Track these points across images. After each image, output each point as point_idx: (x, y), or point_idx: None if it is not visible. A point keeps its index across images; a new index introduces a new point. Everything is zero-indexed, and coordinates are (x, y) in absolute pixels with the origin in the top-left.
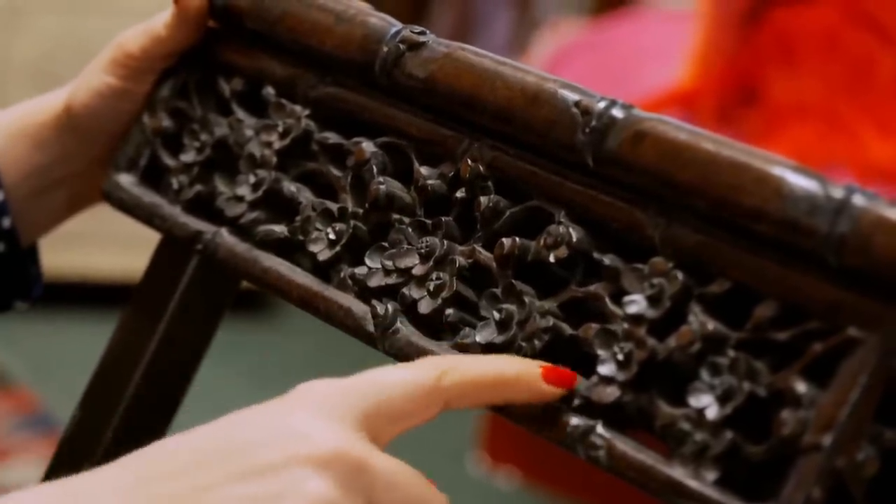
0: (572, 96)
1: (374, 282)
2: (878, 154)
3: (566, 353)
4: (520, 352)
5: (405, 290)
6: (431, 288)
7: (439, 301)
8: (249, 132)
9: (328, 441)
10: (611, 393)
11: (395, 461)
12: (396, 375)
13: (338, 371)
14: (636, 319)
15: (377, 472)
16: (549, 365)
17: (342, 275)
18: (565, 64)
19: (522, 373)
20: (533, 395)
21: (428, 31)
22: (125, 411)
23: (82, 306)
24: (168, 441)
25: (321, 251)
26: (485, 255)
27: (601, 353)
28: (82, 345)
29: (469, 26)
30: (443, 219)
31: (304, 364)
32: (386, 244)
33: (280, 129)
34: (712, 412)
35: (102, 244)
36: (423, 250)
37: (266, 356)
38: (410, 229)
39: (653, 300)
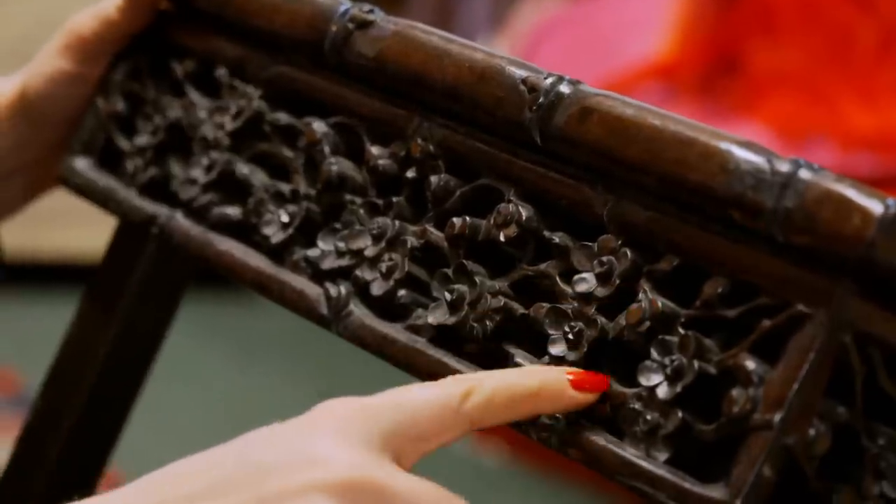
0: (519, 73)
1: (327, 264)
2: (859, 124)
3: (518, 332)
4: (472, 332)
5: (358, 272)
6: (384, 269)
7: (392, 282)
8: (202, 114)
9: (346, 466)
10: None
11: (419, 482)
12: (420, 395)
13: (315, 347)
14: (585, 298)
15: (398, 497)
16: (577, 371)
17: (295, 257)
18: (547, 39)
19: (550, 384)
20: (563, 406)
21: (377, 9)
22: (86, 397)
23: (67, 286)
24: (184, 463)
25: (274, 234)
26: (436, 234)
27: (552, 332)
28: (67, 325)
29: (450, 2)
30: (394, 199)
31: (283, 341)
32: (338, 225)
33: (232, 110)
34: (663, 391)
35: (90, 223)
36: (374, 231)
37: (246, 333)
38: (362, 210)
39: (602, 278)
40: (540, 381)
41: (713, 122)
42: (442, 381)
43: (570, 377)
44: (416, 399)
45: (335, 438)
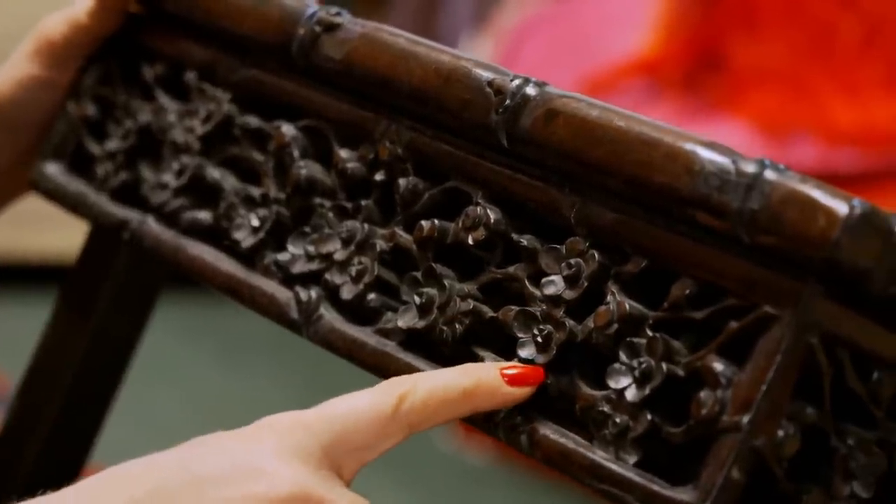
0: (486, 75)
1: (298, 268)
2: (842, 119)
3: (488, 336)
4: (441, 336)
5: (328, 276)
6: (353, 273)
7: (361, 286)
8: (172, 118)
9: (287, 481)
10: None
11: (354, 498)
12: (355, 405)
13: (295, 348)
14: (554, 300)
15: None
16: (512, 366)
17: (266, 261)
18: (530, 37)
19: (485, 382)
20: (498, 402)
21: (344, 12)
22: (63, 399)
23: (52, 288)
24: (128, 467)
25: (245, 238)
26: (405, 238)
27: (521, 335)
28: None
29: (434, 1)
30: (363, 202)
31: (264, 342)
32: (308, 229)
33: (202, 114)
34: (631, 393)
35: (73, 225)
36: (344, 235)
37: (227, 334)
38: (331, 214)
39: (570, 281)
40: (475, 379)
41: (696, 118)
42: (378, 387)
43: (510, 371)
44: (351, 410)
45: (276, 453)
